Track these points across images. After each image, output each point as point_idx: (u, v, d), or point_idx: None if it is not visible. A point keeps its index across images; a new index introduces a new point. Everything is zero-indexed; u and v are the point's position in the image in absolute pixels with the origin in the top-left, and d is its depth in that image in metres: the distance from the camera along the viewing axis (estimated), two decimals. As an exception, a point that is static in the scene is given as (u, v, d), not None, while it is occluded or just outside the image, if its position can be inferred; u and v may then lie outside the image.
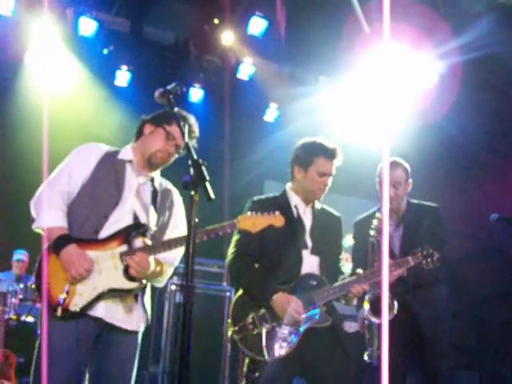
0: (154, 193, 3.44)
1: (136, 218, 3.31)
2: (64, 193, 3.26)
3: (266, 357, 3.43)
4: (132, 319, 3.29)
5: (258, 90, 7.86)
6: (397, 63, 6.87)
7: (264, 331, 3.49)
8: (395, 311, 3.85)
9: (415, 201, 4.47)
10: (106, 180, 3.30)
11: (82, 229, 3.22)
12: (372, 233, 3.99)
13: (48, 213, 3.19)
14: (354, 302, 3.71)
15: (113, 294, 3.18)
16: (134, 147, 3.47)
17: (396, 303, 3.87)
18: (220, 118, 7.88)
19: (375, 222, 4.01)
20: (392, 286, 3.89)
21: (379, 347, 3.94)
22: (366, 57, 6.91)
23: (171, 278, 6.55)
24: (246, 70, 7.58)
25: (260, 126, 8.32)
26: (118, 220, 3.25)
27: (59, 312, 3.07)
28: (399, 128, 6.84)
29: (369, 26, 6.48)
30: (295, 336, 3.49)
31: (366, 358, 4.01)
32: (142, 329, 3.38)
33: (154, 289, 5.96)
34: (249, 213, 3.31)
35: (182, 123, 2.91)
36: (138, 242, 3.25)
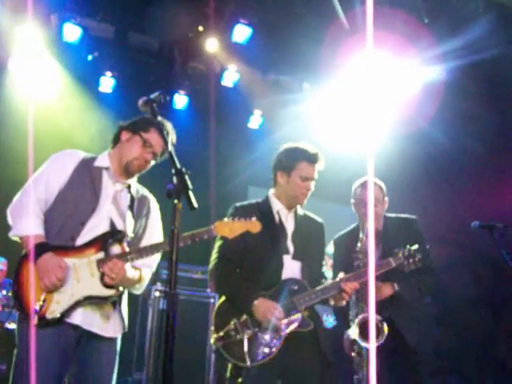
0: (131, 200, 3.45)
1: (113, 224, 3.32)
2: (41, 200, 3.26)
3: (248, 363, 3.46)
4: (109, 326, 3.29)
5: (243, 97, 7.89)
6: (380, 70, 6.93)
7: (246, 337, 3.51)
8: (384, 336, 3.86)
9: (392, 214, 4.47)
10: (83, 187, 3.31)
11: (59, 236, 3.22)
12: (358, 255, 4.03)
13: (25, 221, 3.20)
14: (344, 302, 3.71)
15: (90, 301, 3.18)
16: (110, 154, 3.48)
17: (385, 327, 3.88)
18: (205, 124, 7.89)
19: (359, 244, 4.06)
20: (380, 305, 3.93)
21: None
22: (350, 64, 6.95)
23: (154, 284, 6.59)
24: (231, 77, 7.60)
25: (245, 132, 8.35)
26: (95, 227, 3.27)
27: (35, 320, 3.06)
28: (383, 135, 6.90)
29: (352, 32, 6.53)
30: (277, 341, 3.51)
31: (354, 382, 4.02)
32: (119, 336, 3.38)
33: (137, 296, 5.99)
34: (226, 219, 3.36)
35: (164, 132, 2.93)
36: (115, 249, 3.26)
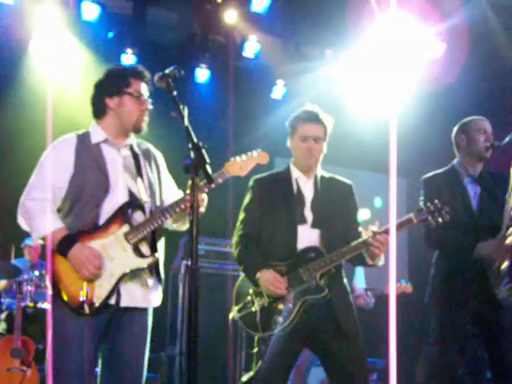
0: (137, 158, 3.38)
1: (131, 193, 3.26)
2: (47, 200, 3.20)
3: (260, 332, 3.53)
4: (149, 295, 3.28)
5: (265, 68, 7.82)
6: (403, 33, 6.79)
7: (259, 308, 3.56)
8: None
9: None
10: (89, 170, 3.24)
11: (80, 223, 3.18)
12: None
13: (41, 220, 3.15)
14: (380, 260, 3.65)
15: (130, 275, 3.17)
16: (102, 125, 3.36)
17: None
18: (228, 97, 7.84)
19: None
20: None
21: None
22: (372, 27, 6.82)
23: (184, 259, 6.62)
24: (252, 47, 7.52)
25: (268, 103, 8.28)
26: (115, 202, 3.21)
27: (87, 310, 3.07)
28: (407, 96, 6.79)
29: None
30: (290, 310, 3.52)
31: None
32: (157, 303, 3.37)
33: (167, 271, 6.04)
34: (232, 158, 3.35)
35: (180, 106, 2.86)
36: (138, 217, 3.24)
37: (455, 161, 4.39)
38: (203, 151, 2.61)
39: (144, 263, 3.19)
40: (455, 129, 4.42)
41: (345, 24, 6.91)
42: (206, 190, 3.20)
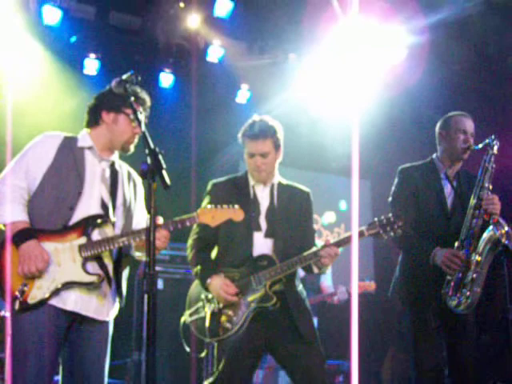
0: (117, 176, 3.42)
1: (104, 205, 3.29)
2: (22, 188, 3.22)
3: (208, 338, 3.58)
4: (104, 308, 3.29)
5: (229, 72, 7.82)
6: (365, 37, 6.86)
7: (209, 313, 3.61)
8: None
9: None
10: (67, 169, 3.27)
11: (49, 222, 3.19)
12: None
13: (8, 207, 3.16)
14: (328, 270, 3.74)
15: (72, 285, 3.16)
16: (91, 134, 3.42)
17: None
18: (192, 102, 7.84)
19: None
20: None
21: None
22: (334, 32, 6.89)
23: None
24: (216, 52, 7.53)
25: (233, 107, 8.29)
26: (86, 209, 3.23)
27: (17, 305, 3.07)
28: (368, 100, 6.86)
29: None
30: (240, 317, 3.56)
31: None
32: (112, 318, 3.39)
33: (133, 277, 6.00)
34: (208, 206, 3.37)
35: (138, 111, 2.92)
36: (97, 234, 3.24)
37: (435, 155, 4.39)
38: (160, 157, 2.62)
39: (87, 279, 3.17)
40: (438, 122, 4.41)
41: (305, 28, 6.97)
42: (172, 228, 3.22)
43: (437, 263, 4.00)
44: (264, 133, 3.68)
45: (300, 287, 3.81)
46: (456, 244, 4.03)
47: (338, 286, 6.06)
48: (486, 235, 3.98)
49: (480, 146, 4.17)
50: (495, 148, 4.14)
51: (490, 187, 4.09)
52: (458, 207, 4.20)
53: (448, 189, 4.26)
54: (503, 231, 3.94)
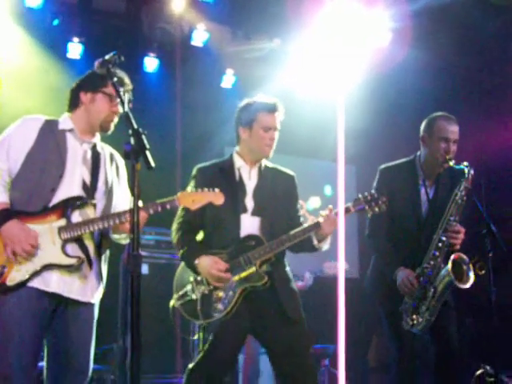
0: (99, 157, 3.41)
1: (85, 186, 3.28)
2: (3, 169, 3.20)
3: (201, 320, 3.54)
4: (87, 289, 3.28)
5: (214, 57, 7.77)
6: (349, 21, 6.83)
7: (199, 295, 3.58)
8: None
9: None
10: (49, 152, 3.26)
11: (30, 204, 3.18)
12: None
13: None
14: (326, 244, 3.71)
15: (52, 267, 3.15)
16: (72, 117, 3.42)
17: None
18: (177, 86, 7.80)
19: None
20: None
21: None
22: (319, 16, 6.86)
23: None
24: (200, 36, 7.46)
25: (218, 92, 8.25)
26: (68, 191, 3.23)
27: None
28: (353, 83, 6.85)
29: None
30: (231, 297, 3.54)
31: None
32: (97, 300, 3.37)
33: (117, 261, 5.97)
34: (189, 189, 3.37)
35: (120, 90, 2.91)
36: (83, 215, 3.22)
37: (418, 154, 4.36)
38: (143, 137, 2.61)
39: (66, 261, 3.16)
40: (423, 122, 4.36)
41: (290, 12, 6.94)
42: (152, 211, 3.23)
43: (397, 282, 4.07)
44: (279, 107, 3.76)
45: (288, 268, 3.81)
46: (417, 270, 4.08)
47: (305, 272, 6.09)
48: (443, 272, 4.03)
49: (457, 167, 4.13)
50: (470, 178, 4.08)
51: (457, 219, 4.07)
52: (431, 218, 4.19)
53: (425, 196, 4.25)
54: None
